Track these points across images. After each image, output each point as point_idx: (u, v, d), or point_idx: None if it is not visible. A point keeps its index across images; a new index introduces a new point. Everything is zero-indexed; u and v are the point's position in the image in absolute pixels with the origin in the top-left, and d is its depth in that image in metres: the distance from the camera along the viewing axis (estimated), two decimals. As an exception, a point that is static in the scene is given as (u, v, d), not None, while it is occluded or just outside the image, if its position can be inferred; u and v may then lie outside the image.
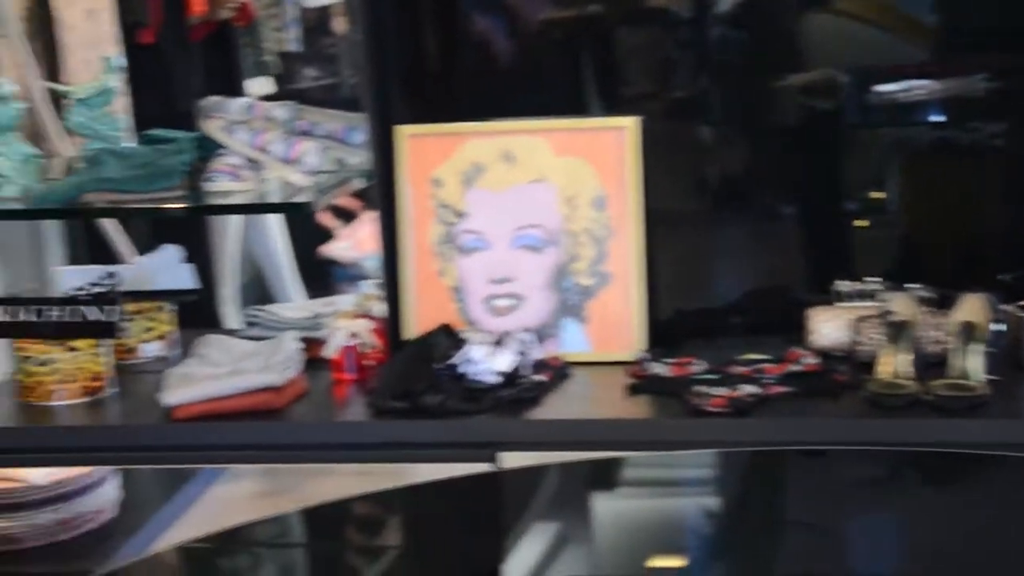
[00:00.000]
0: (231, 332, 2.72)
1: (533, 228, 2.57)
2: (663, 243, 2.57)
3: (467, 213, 2.58)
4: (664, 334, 2.54)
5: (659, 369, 2.42)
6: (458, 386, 2.39)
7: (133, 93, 3.03)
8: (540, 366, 2.45)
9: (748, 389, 2.31)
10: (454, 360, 2.42)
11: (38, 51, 2.91)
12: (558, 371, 2.47)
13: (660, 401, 2.36)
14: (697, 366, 2.42)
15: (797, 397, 2.32)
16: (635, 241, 2.54)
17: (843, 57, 2.61)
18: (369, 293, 2.64)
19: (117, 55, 2.75)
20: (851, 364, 2.39)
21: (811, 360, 2.40)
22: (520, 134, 2.58)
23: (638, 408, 2.36)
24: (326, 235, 3.91)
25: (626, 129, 2.54)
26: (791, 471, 2.12)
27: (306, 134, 2.62)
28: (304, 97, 2.89)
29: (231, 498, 2.83)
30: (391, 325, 2.58)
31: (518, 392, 2.38)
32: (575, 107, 2.65)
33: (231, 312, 3.74)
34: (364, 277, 3.16)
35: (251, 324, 2.71)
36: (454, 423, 2.33)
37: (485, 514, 2.01)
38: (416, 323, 2.58)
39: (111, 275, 2.50)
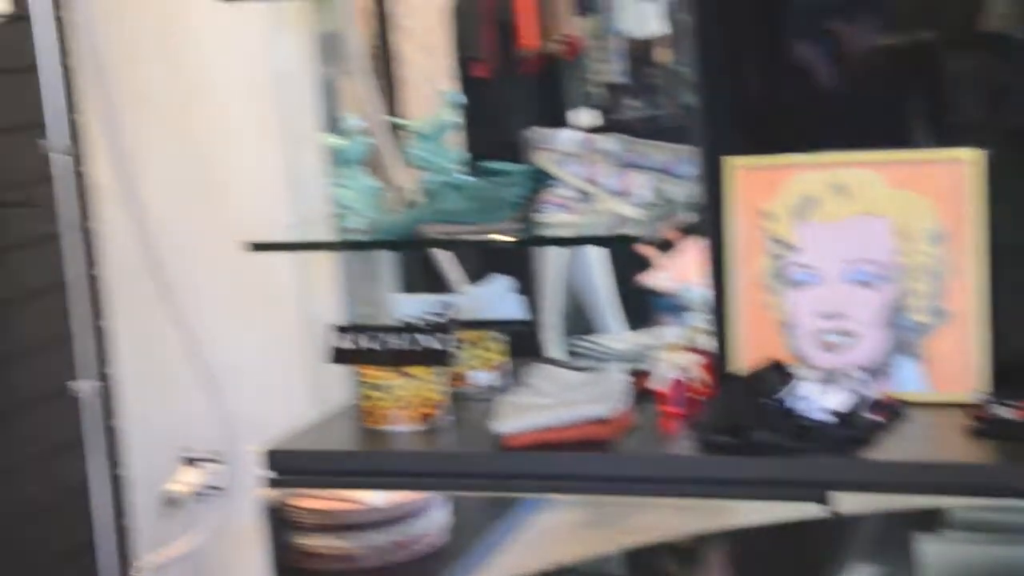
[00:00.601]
0: (558, 362, 2.75)
1: (865, 263, 2.51)
2: (1006, 279, 2.46)
3: (797, 246, 2.54)
4: (1007, 375, 2.43)
5: (1003, 412, 2.31)
6: (787, 423, 2.34)
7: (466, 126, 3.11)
8: (875, 405, 2.38)
9: (1104, 436, 2.19)
10: (782, 395, 2.38)
11: (379, 86, 3.01)
12: (893, 411, 2.39)
13: (1005, 446, 2.25)
14: (1045, 410, 2.31)
15: None
16: (977, 278, 2.44)
17: None
18: (696, 326, 2.63)
19: (454, 89, 2.82)
20: None
21: None
22: (850, 166, 2.52)
23: (981, 452, 2.26)
24: (643, 264, 3.90)
25: (965, 162, 2.45)
26: None
27: (634, 166, 2.63)
28: (626, 128, 2.90)
29: (554, 527, 2.85)
30: (718, 359, 2.55)
31: (852, 431, 2.32)
32: (904, 137, 2.57)
33: (553, 342, 3.78)
34: (682, 308, 3.14)
35: (576, 355, 2.73)
36: (783, 461, 2.29)
37: (808, 554, 1.97)
38: (743, 357, 2.55)
39: (447, 305, 2.57)
